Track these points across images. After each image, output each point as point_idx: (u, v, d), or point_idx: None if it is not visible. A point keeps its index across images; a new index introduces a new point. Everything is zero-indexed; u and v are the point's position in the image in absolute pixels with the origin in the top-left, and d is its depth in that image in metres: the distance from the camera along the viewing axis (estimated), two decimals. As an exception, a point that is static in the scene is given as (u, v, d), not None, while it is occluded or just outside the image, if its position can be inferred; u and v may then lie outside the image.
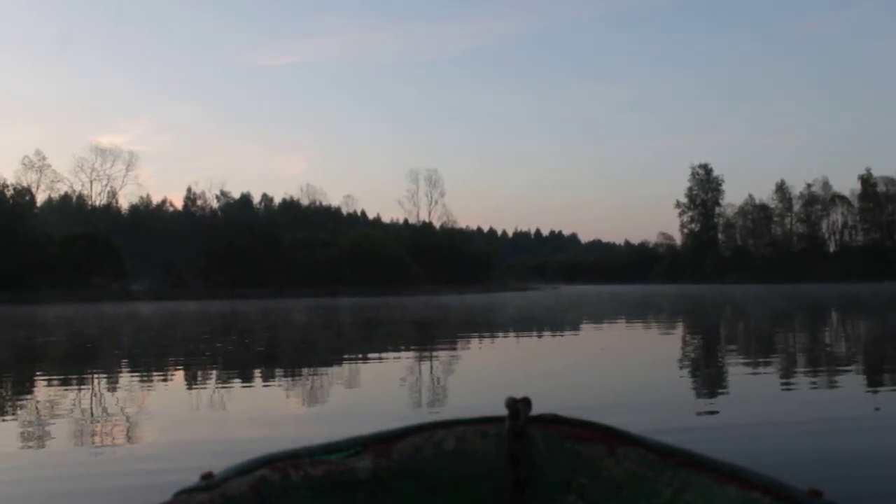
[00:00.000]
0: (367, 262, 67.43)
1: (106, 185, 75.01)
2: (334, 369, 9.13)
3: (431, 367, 9.04)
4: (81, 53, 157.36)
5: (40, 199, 76.07)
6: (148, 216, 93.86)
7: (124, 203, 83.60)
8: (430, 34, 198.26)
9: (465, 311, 26.22)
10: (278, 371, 9.04)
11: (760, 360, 9.43)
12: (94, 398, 6.66)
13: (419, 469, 1.31)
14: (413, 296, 49.55)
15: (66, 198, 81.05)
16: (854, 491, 3.34)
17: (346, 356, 10.76)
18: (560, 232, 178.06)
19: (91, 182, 74.34)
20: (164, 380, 8.13)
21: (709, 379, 7.63)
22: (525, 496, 1.32)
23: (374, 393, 6.93)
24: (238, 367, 9.45)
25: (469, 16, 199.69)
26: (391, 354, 10.75)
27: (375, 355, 10.67)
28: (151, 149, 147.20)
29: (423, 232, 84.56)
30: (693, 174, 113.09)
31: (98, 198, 75.94)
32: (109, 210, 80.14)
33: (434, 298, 43.32)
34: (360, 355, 10.75)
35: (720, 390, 6.78)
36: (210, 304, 39.16)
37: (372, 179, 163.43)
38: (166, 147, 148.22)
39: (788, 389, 6.73)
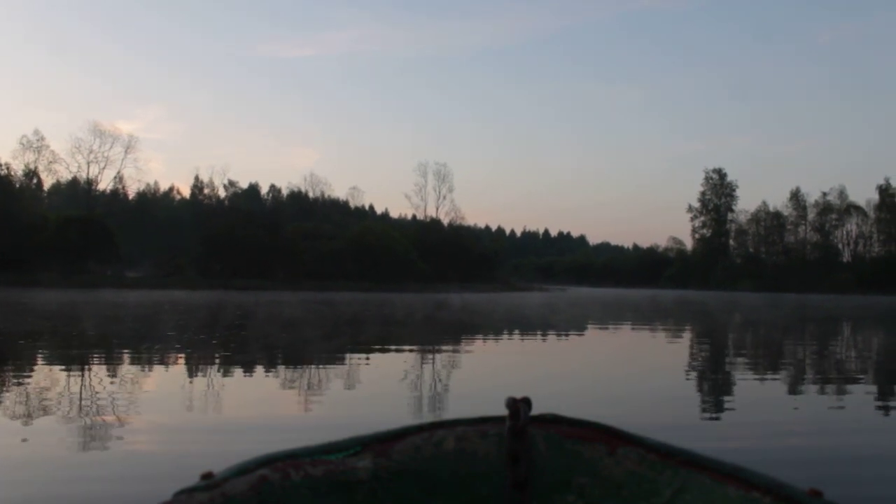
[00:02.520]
0: (371, 257, 66.36)
1: (104, 168, 73.07)
2: (290, 372, 8.42)
3: (391, 371, 8.09)
4: (95, 40, 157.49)
5: (47, 182, 75.22)
6: (153, 203, 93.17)
7: (130, 189, 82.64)
8: (445, 31, 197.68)
9: (463, 312, 25.25)
10: (234, 373, 8.27)
11: (754, 368, 9.41)
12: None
13: (419, 469, 1.31)
14: (415, 293, 48.56)
15: (73, 182, 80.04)
16: (854, 492, 3.40)
17: (309, 357, 9.95)
18: (568, 233, 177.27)
19: (88, 164, 72.29)
20: (97, 379, 7.33)
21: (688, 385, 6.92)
22: (525, 496, 1.32)
23: (316, 402, 5.95)
24: (191, 367, 8.69)
25: (484, 14, 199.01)
26: (355, 357, 9.83)
27: (340, 358, 9.81)
28: (163, 137, 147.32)
29: (429, 228, 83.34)
30: (707, 178, 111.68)
31: (97, 180, 74.24)
32: (116, 196, 79.27)
33: (434, 297, 42.33)
34: (326, 356, 9.87)
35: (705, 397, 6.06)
36: (201, 294, 38.30)
37: (383, 175, 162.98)
38: (178, 136, 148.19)
39: (788, 396, 7.02)
